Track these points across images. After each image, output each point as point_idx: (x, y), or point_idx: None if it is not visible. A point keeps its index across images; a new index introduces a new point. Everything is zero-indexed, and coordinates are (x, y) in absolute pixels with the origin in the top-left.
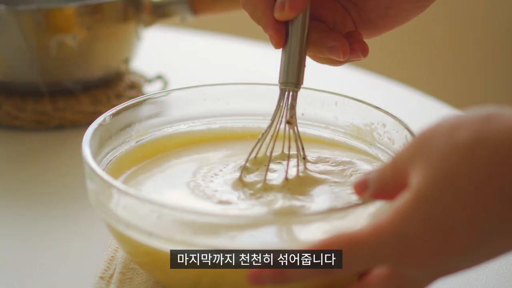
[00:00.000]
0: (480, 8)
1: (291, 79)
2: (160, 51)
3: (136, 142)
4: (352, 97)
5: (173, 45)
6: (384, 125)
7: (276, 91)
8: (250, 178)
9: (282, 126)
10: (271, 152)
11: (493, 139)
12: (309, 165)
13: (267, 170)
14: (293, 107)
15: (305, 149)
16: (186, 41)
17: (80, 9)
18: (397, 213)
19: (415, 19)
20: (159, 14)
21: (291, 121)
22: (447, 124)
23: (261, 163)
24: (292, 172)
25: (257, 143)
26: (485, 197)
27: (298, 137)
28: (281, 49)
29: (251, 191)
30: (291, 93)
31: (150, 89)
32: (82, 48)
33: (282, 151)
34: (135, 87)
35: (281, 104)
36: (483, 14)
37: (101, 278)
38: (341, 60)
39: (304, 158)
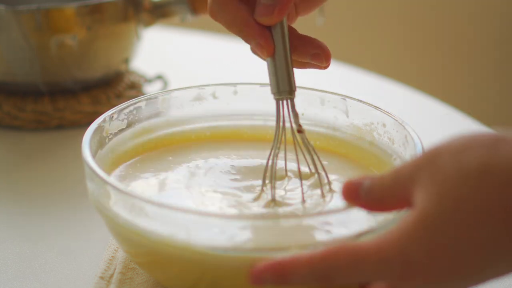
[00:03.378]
0: (483, 10)
1: (284, 87)
2: (160, 51)
3: (136, 142)
4: (352, 97)
5: (173, 45)
6: (384, 125)
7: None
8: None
9: (289, 135)
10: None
11: (500, 167)
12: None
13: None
14: (296, 114)
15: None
16: (186, 41)
17: (80, 9)
18: (402, 233)
19: (417, 20)
20: (159, 14)
21: (302, 130)
22: (455, 146)
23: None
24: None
25: (269, 158)
26: (492, 227)
27: (310, 146)
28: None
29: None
30: (288, 102)
31: (150, 89)
32: (82, 48)
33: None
34: (135, 87)
35: (281, 115)
36: (486, 15)
37: (101, 278)
38: (323, 66)
39: (327, 177)
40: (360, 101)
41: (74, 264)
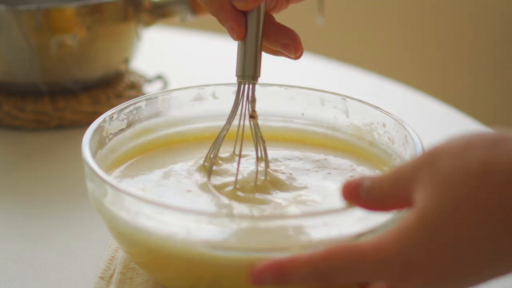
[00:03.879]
0: (483, 10)
1: (249, 72)
2: (160, 51)
3: (136, 142)
4: (352, 97)
5: (173, 45)
6: (384, 125)
7: (276, 91)
8: (217, 179)
9: (245, 121)
10: (240, 151)
11: (500, 167)
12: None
13: (237, 173)
14: (254, 100)
15: (267, 148)
16: (186, 41)
17: (80, 9)
18: (402, 233)
19: (417, 20)
20: (159, 14)
21: (254, 115)
22: (455, 146)
23: (225, 161)
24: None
25: (217, 139)
26: (492, 227)
27: (259, 133)
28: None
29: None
30: (250, 86)
31: (150, 89)
32: (82, 48)
33: (239, 151)
34: (135, 87)
35: (239, 98)
36: (486, 15)
37: (101, 278)
38: (292, 56)
39: (266, 157)
40: (360, 101)
41: (74, 264)
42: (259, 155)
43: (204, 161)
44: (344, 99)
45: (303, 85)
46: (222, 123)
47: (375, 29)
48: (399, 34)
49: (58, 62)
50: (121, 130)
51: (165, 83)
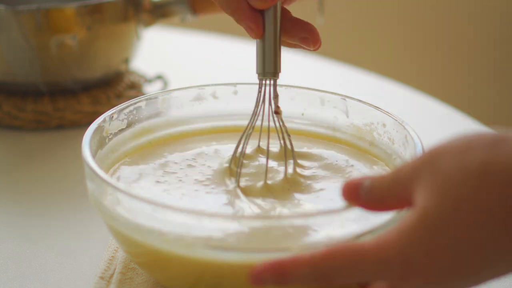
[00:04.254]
0: (483, 10)
1: (269, 69)
2: (160, 51)
3: (136, 142)
4: (352, 97)
5: (173, 45)
6: (384, 125)
7: (277, 91)
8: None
9: (266, 116)
10: (268, 147)
11: (501, 167)
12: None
13: (267, 170)
14: (276, 96)
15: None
16: (186, 41)
17: (80, 9)
18: (402, 233)
19: (417, 20)
20: (159, 14)
21: (279, 111)
22: (455, 146)
23: (250, 158)
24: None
25: (242, 136)
26: (492, 227)
27: (284, 130)
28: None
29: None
30: (271, 82)
31: (150, 89)
32: (82, 48)
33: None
34: (135, 87)
35: (261, 95)
36: (486, 15)
37: (101, 278)
38: (311, 49)
39: (293, 152)
40: (360, 101)
41: (74, 264)
42: (286, 148)
43: (230, 162)
44: (344, 99)
45: (303, 85)
46: (222, 123)
47: (375, 29)
48: (399, 34)
49: (58, 62)
50: (121, 130)
51: (165, 83)
